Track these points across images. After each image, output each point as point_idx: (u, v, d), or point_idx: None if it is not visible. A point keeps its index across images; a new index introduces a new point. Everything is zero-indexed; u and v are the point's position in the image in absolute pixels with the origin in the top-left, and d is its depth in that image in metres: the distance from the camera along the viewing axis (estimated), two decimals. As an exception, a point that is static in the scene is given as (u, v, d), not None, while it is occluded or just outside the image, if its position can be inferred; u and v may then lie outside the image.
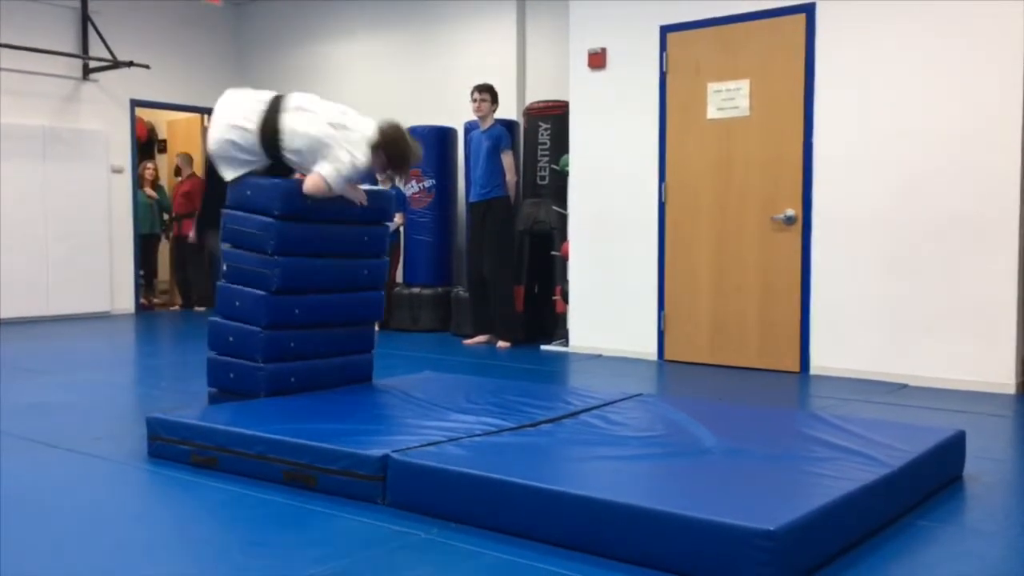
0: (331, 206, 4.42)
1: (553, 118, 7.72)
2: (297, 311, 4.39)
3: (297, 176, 4.46)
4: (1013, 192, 5.34)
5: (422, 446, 3.21)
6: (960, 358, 5.50)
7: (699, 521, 2.45)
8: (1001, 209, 5.37)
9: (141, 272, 10.58)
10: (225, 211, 4.48)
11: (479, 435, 3.44)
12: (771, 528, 2.35)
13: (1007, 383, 5.37)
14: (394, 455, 3.08)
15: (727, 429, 3.55)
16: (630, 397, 4.31)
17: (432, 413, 3.86)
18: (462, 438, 3.37)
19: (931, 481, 3.29)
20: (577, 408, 3.99)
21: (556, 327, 7.60)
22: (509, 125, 7.97)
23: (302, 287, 4.42)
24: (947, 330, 5.55)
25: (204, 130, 11.24)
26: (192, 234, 10.46)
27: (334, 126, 4.26)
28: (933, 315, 5.59)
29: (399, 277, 8.93)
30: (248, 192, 4.33)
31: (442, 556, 2.68)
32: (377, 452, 3.11)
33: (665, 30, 6.64)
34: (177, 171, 11.00)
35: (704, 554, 2.43)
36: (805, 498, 2.63)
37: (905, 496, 3.07)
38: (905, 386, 5.57)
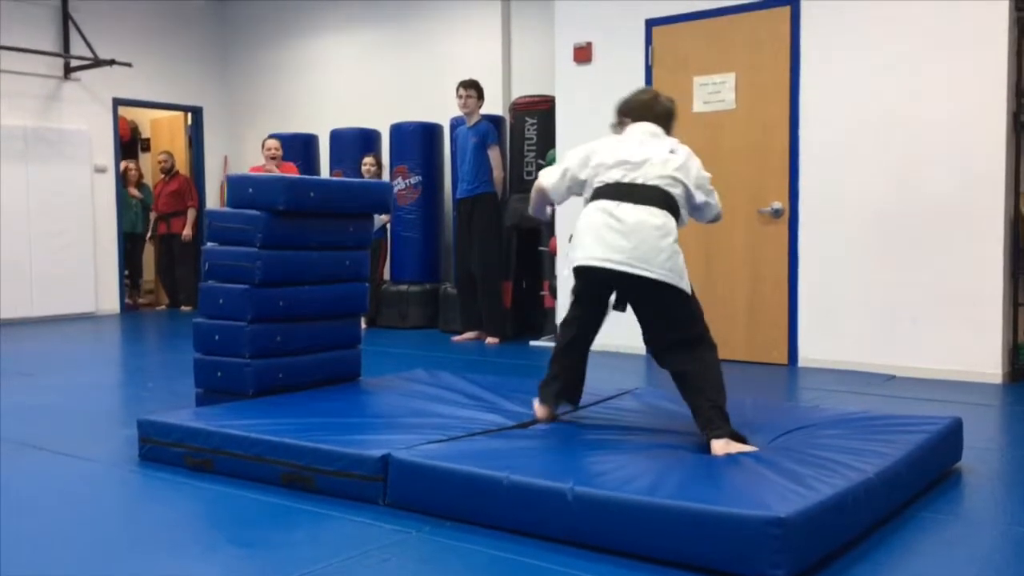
0: (335, 199, 4.48)
1: (539, 113, 7.70)
2: (281, 303, 4.39)
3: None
4: (999, 181, 5.37)
5: (422, 445, 3.19)
6: (948, 348, 5.53)
7: (707, 512, 2.43)
8: (988, 199, 5.39)
9: (126, 272, 10.50)
10: (210, 210, 4.58)
11: (478, 433, 3.43)
12: (782, 515, 2.33)
13: (994, 373, 5.40)
14: (395, 455, 3.06)
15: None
16: (626, 392, 4.31)
17: (428, 411, 3.85)
18: (461, 437, 3.36)
19: (933, 470, 3.30)
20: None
21: (544, 323, 7.59)
22: (495, 121, 7.95)
23: (285, 279, 4.42)
24: (935, 321, 5.57)
25: (187, 128, 11.18)
26: (186, 232, 10.39)
27: None
28: (920, 306, 5.62)
29: (387, 274, 8.90)
30: (250, 189, 4.33)
31: (436, 554, 2.67)
32: (377, 452, 3.09)
33: (650, 24, 6.64)
34: (170, 168, 10.74)
35: (713, 545, 2.41)
36: (813, 487, 2.60)
37: (910, 486, 3.07)
38: (893, 377, 5.60)
